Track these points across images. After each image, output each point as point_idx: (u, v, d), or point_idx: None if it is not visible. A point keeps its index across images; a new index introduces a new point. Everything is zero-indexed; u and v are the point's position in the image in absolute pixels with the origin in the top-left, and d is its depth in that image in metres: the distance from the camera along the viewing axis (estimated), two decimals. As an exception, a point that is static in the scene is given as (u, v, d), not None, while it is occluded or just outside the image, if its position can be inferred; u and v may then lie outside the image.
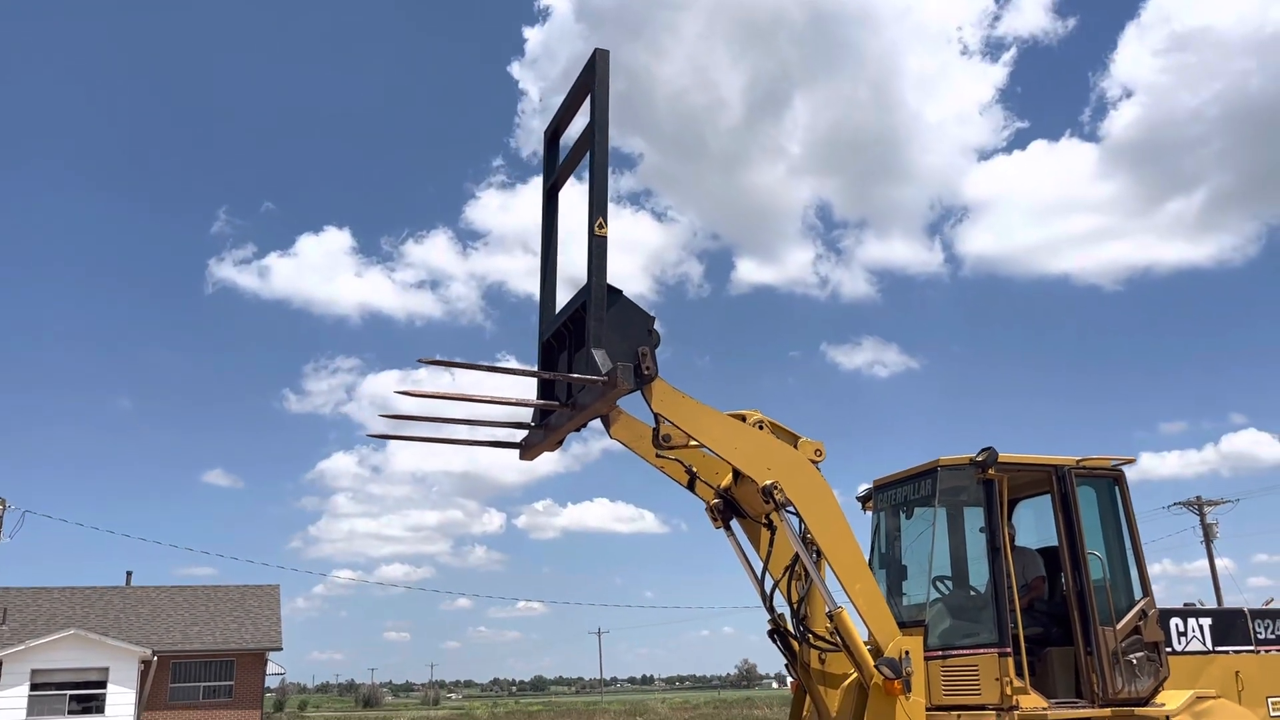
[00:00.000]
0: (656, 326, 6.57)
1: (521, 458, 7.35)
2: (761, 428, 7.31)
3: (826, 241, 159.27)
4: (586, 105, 6.74)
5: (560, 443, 7.14)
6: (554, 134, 7.53)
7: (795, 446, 7.23)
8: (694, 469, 7.80)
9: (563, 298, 7.18)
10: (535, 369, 7.13)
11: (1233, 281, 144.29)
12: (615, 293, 6.42)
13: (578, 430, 6.99)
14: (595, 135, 6.49)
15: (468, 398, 6.65)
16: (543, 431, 7.08)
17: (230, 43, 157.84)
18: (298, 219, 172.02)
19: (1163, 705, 7.49)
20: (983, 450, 7.63)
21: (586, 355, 6.34)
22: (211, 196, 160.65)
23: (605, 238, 6.36)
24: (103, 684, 34.74)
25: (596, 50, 6.54)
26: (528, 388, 7.32)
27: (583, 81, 6.75)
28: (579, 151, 7.03)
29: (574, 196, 7.45)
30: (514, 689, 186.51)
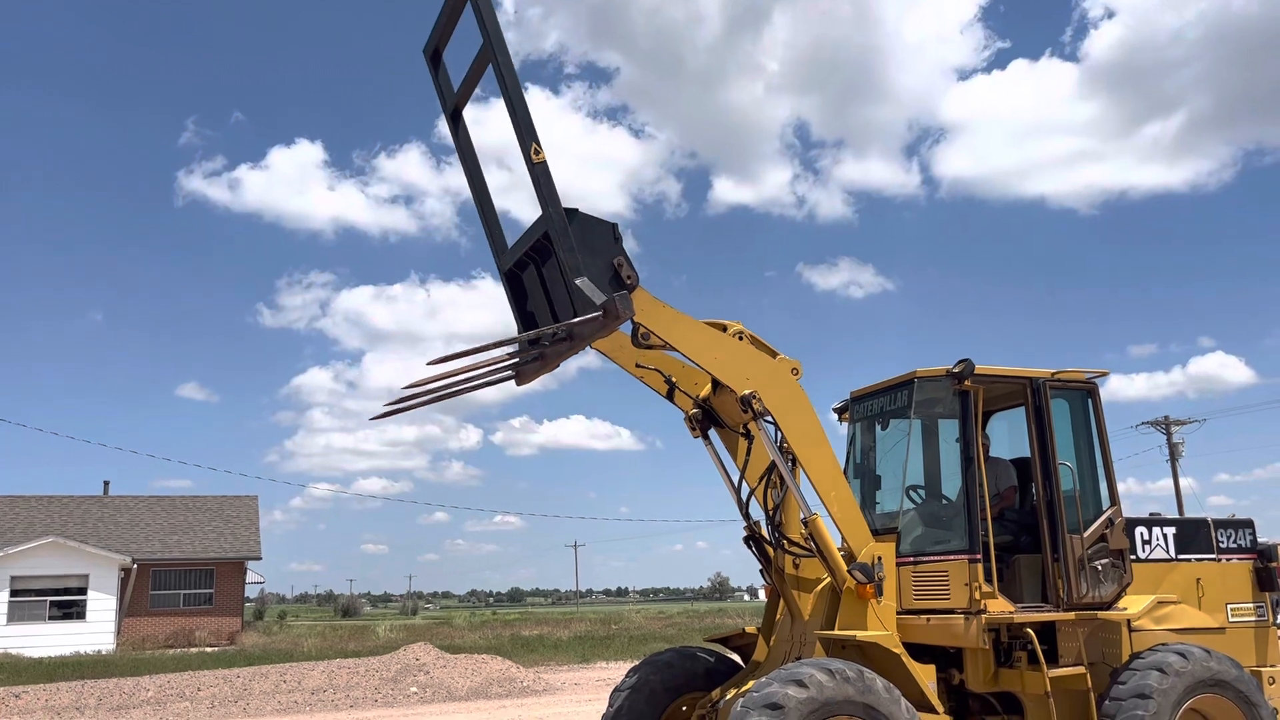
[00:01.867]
0: (616, 227, 6.40)
1: (518, 384, 7.26)
2: (741, 339, 7.36)
3: (804, 161, 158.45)
4: (470, 20, 6.28)
5: (556, 366, 7.06)
6: (435, 53, 7.03)
7: None
8: (673, 379, 7.85)
9: (503, 219, 6.93)
10: (531, 329, 6.85)
11: (1206, 206, 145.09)
12: (571, 212, 6.25)
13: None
14: (496, 56, 6.04)
15: (465, 369, 6.49)
16: (538, 364, 6.98)
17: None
18: (268, 131, 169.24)
19: (1125, 609, 7.72)
20: (959, 362, 7.69)
21: (569, 286, 6.21)
22: (179, 106, 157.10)
23: (545, 162, 6.09)
24: (83, 590, 35.12)
25: None
26: (509, 317, 7.14)
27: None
28: (478, 67, 6.60)
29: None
30: (491, 600, 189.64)
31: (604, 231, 6.36)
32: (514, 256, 6.83)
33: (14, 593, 34.42)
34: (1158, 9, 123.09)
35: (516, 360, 6.95)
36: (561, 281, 6.38)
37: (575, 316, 6.24)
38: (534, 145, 6.08)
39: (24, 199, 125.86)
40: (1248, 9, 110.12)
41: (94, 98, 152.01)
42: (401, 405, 6.90)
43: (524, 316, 7.03)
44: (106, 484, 43.60)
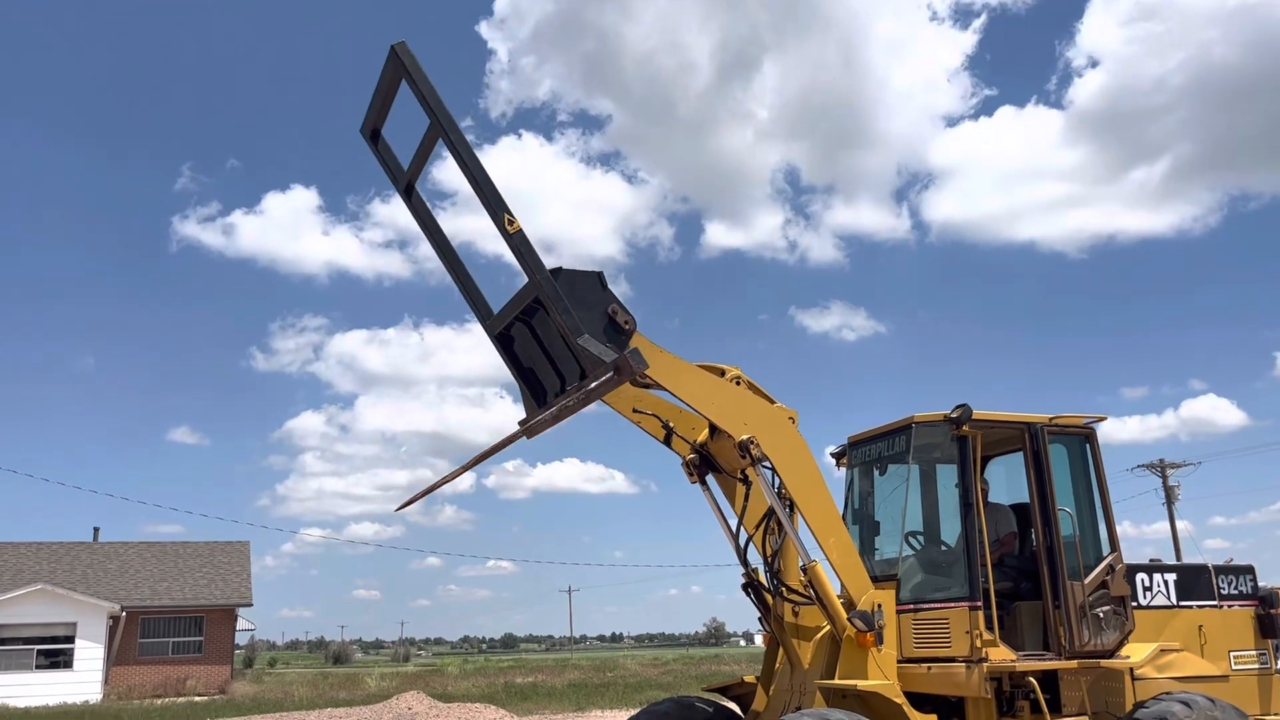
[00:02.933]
0: (601, 275, 6.35)
1: (529, 439, 7.21)
2: (739, 384, 7.34)
3: (795, 206, 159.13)
4: (406, 96, 6.16)
5: (565, 419, 6.96)
6: (374, 133, 6.86)
7: None
8: (670, 424, 7.82)
9: (498, 263, 6.84)
10: (531, 383, 6.86)
11: (1193, 251, 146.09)
12: (556, 271, 6.22)
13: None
14: (447, 134, 5.97)
15: (478, 460, 6.42)
16: (549, 419, 6.89)
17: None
18: (264, 177, 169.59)
19: (1127, 658, 7.64)
20: (957, 407, 7.68)
21: (570, 345, 6.16)
22: (175, 153, 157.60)
23: (521, 231, 6.02)
24: (70, 639, 34.62)
25: (393, 46, 5.98)
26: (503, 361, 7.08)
27: (389, 76, 6.25)
28: (428, 142, 6.46)
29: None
30: (484, 646, 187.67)
31: (591, 282, 6.32)
32: (503, 321, 6.74)
33: (1, 640, 33.94)
34: (1140, 57, 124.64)
35: (527, 418, 6.94)
36: (560, 338, 6.33)
37: (581, 374, 6.19)
38: (506, 216, 6.00)
39: (17, 243, 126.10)
40: (1228, 57, 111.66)
41: (91, 143, 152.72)
42: (426, 492, 6.93)
43: (522, 372, 6.96)
44: (96, 530, 43.26)
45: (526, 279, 6.21)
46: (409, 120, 6.38)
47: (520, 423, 7.13)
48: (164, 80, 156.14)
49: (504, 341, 6.93)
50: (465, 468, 6.50)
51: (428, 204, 6.94)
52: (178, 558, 41.08)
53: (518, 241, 6.02)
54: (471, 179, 6.02)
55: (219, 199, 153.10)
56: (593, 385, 6.09)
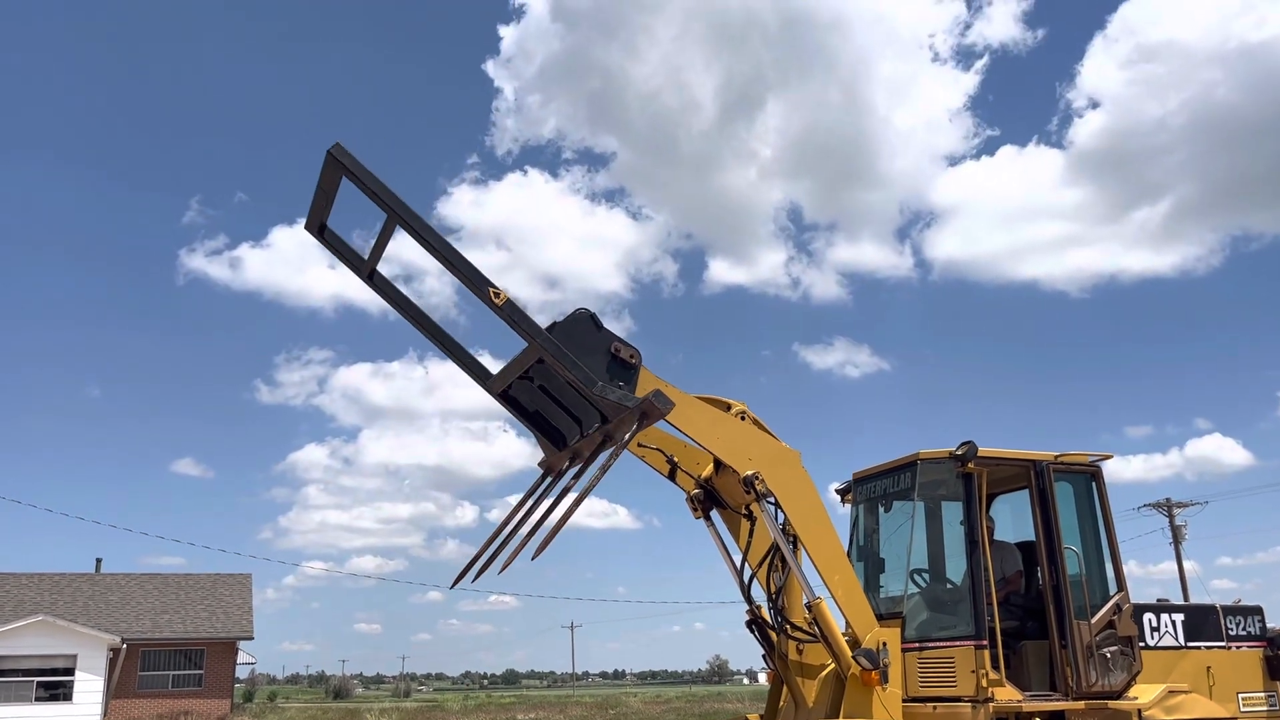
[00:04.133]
0: (592, 315, 6.34)
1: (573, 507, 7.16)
2: (743, 419, 7.34)
3: (798, 243, 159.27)
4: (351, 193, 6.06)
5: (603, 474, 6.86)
6: (320, 228, 6.68)
7: None
8: (675, 459, 7.82)
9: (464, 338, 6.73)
10: (546, 431, 6.83)
11: (1196, 291, 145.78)
12: (550, 328, 6.22)
13: None
14: (409, 223, 5.89)
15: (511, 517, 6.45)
16: (591, 482, 6.83)
17: (205, 33, 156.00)
18: (271, 210, 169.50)
19: (1135, 699, 7.57)
20: (962, 444, 7.66)
21: (585, 395, 6.13)
22: (184, 186, 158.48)
23: (509, 300, 6.00)
24: (70, 671, 34.39)
25: (330, 150, 5.86)
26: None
27: (329, 177, 6.11)
28: (386, 232, 6.33)
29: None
30: (485, 682, 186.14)
31: (586, 326, 6.31)
32: (505, 381, 6.69)
33: (1, 673, 33.74)
34: (1141, 98, 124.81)
35: (547, 459, 6.92)
36: (569, 387, 6.31)
37: (603, 418, 6.18)
38: (491, 290, 5.97)
39: (26, 273, 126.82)
40: (1229, 98, 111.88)
41: (100, 176, 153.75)
42: (480, 571, 6.94)
43: (530, 417, 6.94)
44: (99, 561, 43.14)
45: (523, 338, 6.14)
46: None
47: (540, 464, 7.14)
48: (173, 114, 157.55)
49: (513, 403, 6.89)
50: (522, 540, 6.39)
51: (393, 284, 6.76)
52: (179, 589, 40.90)
53: (508, 311, 6.00)
54: (445, 261, 5.96)
55: (226, 232, 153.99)
56: (626, 436, 6.09)
